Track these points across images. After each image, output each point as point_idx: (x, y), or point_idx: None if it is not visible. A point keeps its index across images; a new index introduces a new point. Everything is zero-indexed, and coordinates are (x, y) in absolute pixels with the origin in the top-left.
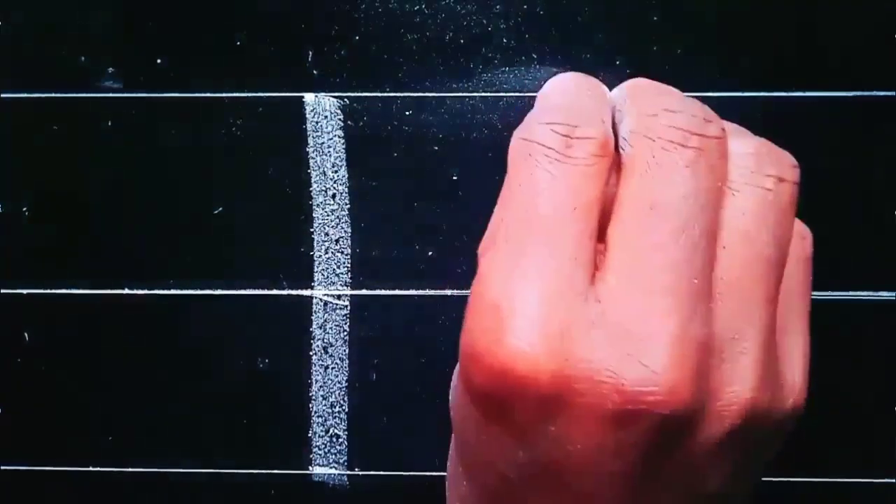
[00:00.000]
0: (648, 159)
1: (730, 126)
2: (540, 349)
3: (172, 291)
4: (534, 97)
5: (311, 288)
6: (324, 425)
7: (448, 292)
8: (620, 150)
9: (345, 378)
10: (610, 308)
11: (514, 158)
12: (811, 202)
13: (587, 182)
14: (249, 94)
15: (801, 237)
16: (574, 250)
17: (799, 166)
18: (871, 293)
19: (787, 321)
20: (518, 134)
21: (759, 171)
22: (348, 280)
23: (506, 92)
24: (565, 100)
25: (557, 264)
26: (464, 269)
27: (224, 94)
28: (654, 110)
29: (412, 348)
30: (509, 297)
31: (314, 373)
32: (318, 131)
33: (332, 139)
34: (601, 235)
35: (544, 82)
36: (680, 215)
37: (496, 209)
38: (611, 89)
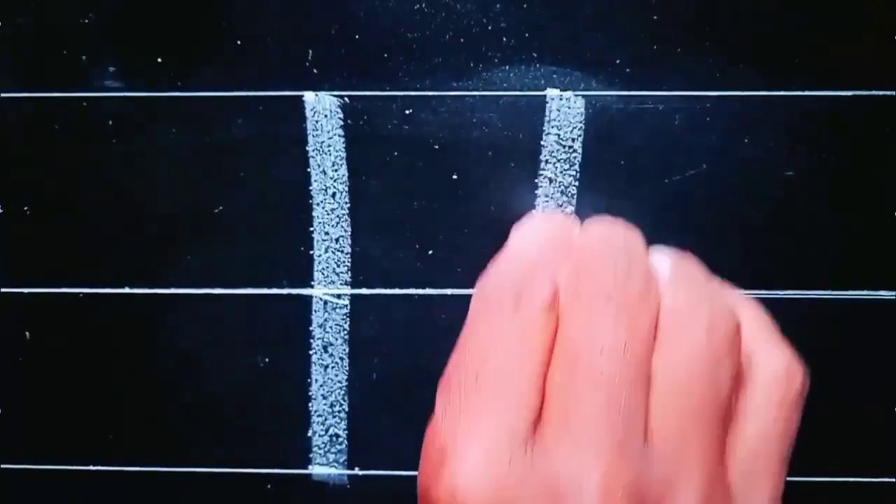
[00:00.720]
0: (574, 314)
1: (670, 276)
2: (476, 492)
3: (172, 291)
4: (534, 96)
5: (311, 287)
6: (323, 425)
7: (448, 292)
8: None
9: (345, 378)
10: (544, 458)
11: (472, 308)
12: (812, 202)
13: (534, 334)
14: (249, 93)
15: (787, 379)
16: (517, 399)
17: (735, 317)
18: (871, 293)
19: (754, 465)
20: (479, 283)
21: (690, 320)
22: (348, 279)
23: (506, 91)
24: (526, 251)
25: (501, 412)
26: (464, 269)
27: (224, 94)
28: (582, 267)
29: (412, 348)
30: (455, 441)
31: (314, 372)
32: (317, 130)
33: (332, 138)
34: None
35: (544, 81)
36: (601, 369)
37: (455, 351)
38: (612, 87)
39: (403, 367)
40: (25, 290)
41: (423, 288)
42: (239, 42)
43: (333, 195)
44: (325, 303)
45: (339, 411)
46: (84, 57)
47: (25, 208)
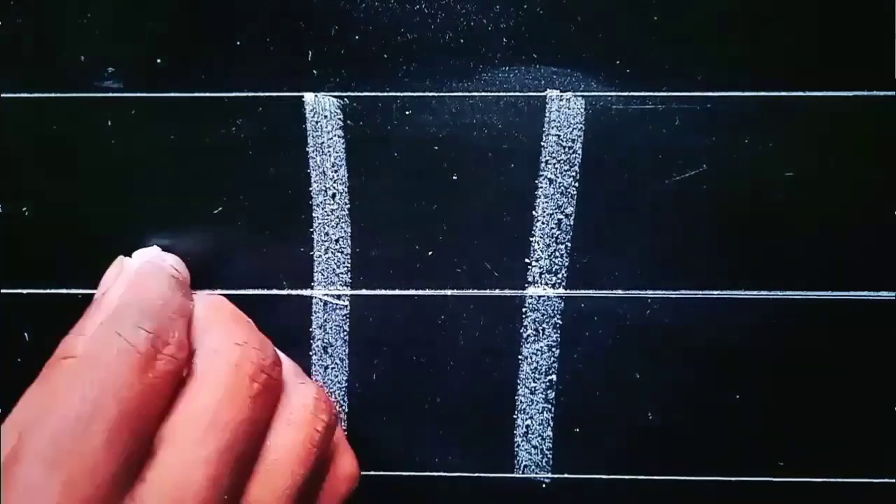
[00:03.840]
0: (219, 381)
1: (293, 370)
2: None
3: None
4: (534, 97)
5: (311, 288)
6: None
7: (448, 292)
8: (193, 362)
9: (345, 378)
10: None
11: (98, 348)
12: (812, 202)
13: (155, 396)
14: (249, 94)
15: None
16: (123, 453)
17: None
18: (871, 293)
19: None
20: (110, 324)
21: (315, 414)
22: (348, 280)
23: (506, 92)
24: (155, 300)
25: (103, 464)
26: (464, 269)
27: (224, 94)
28: (235, 338)
29: (412, 348)
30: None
31: (314, 373)
32: (317, 131)
33: (331, 139)
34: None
35: (544, 82)
36: (232, 437)
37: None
38: (612, 87)
39: (403, 368)
40: (25, 291)
41: (423, 288)
42: (239, 42)
43: (333, 196)
44: (325, 304)
45: (339, 412)
46: (84, 57)
47: (25, 208)
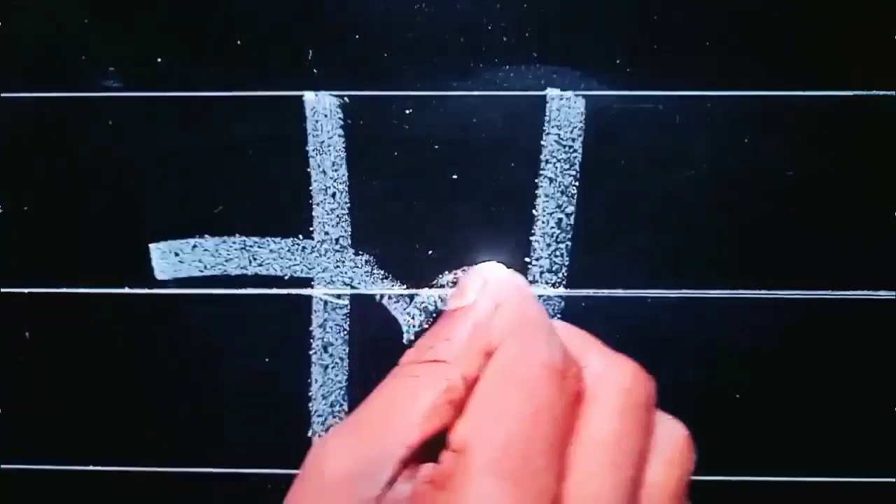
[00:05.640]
0: (616, 407)
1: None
2: None
3: (172, 291)
4: (534, 96)
5: (311, 287)
6: (324, 425)
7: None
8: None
9: (345, 378)
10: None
11: (515, 365)
12: (812, 202)
13: (571, 414)
14: (249, 93)
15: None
16: (558, 473)
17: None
18: (871, 293)
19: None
20: (522, 341)
21: (687, 453)
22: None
23: (506, 91)
24: (546, 320)
25: (546, 483)
26: (464, 269)
27: (224, 93)
28: (621, 365)
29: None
30: None
31: (314, 372)
32: (318, 130)
33: (332, 138)
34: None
35: (544, 81)
36: (633, 467)
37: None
38: (612, 87)
39: None
40: (25, 290)
41: (422, 288)
42: (239, 42)
43: (333, 195)
44: (326, 303)
45: (339, 411)
46: (84, 57)
47: (26, 208)
